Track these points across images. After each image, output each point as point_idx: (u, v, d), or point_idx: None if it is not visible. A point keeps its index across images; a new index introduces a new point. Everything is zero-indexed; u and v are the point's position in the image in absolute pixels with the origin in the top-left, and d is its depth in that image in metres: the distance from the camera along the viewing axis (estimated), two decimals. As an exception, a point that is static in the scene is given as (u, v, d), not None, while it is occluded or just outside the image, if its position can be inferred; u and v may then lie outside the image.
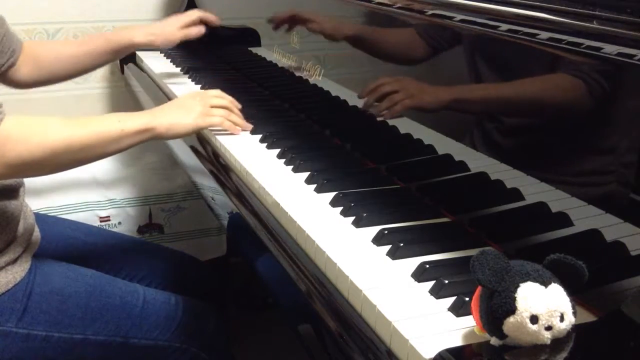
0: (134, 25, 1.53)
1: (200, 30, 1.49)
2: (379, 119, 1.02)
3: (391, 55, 1.03)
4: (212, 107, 1.13)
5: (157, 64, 1.72)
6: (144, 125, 1.03)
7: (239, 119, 1.17)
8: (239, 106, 1.19)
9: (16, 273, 1.00)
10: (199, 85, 1.50)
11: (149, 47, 1.51)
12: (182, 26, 1.48)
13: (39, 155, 0.93)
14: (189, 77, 1.58)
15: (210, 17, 1.53)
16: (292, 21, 1.29)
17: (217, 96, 1.17)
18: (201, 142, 1.22)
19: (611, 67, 0.64)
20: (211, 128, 1.15)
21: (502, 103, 0.82)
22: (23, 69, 1.32)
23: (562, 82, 0.72)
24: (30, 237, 1.08)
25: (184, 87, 1.50)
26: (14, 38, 1.28)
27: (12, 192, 1.06)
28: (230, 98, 1.18)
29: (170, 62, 1.74)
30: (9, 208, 1.03)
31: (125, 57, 1.81)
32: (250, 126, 1.18)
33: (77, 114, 2.06)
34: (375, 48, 1.06)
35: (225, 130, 1.15)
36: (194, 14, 1.51)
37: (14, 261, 1.01)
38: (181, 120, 1.08)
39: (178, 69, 1.66)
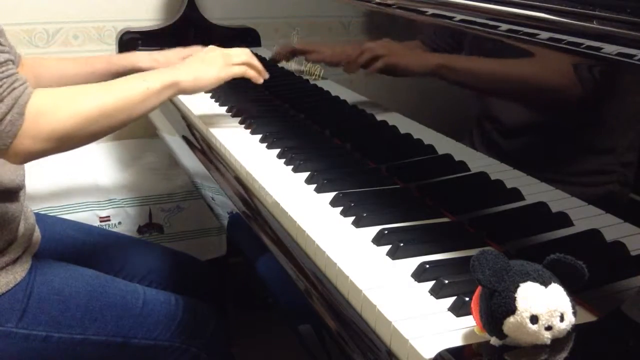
0: (137, 52, 1.51)
1: None
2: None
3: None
4: (232, 56, 1.16)
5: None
6: (168, 81, 1.04)
7: (260, 66, 1.20)
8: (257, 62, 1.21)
9: (16, 273, 1.00)
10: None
11: None
12: (185, 57, 1.47)
13: (72, 125, 0.92)
14: (189, 77, 1.58)
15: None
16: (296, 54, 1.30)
17: (237, 51, 1.18)
18: (201, 142, 1.23)
19: (611, 67, 0.64)
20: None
21: (483, 79, 0.83)
22: None
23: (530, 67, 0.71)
24: (30, 238, 1.08)
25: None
26: (11, 50, 1.27)
27: (13, 195, 1.06)
28: (248, 51, 1.19)
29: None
30: (9, 210, 1.03)
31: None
32: (267, 75, 1.21)
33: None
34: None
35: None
36: (199, 49, 1.50)
37: (14, 261, 1.01)
38: (205, 73, 1.10)
39: (178, 69, 1.66)
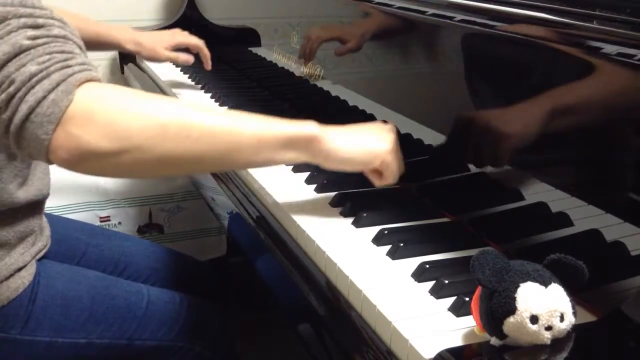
0: (126, 28, 1.47)
1: (188, 60, 1.46)
2: None
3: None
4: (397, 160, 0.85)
5: (157, 64, 1.71)
6: (302, 133, 0.77)
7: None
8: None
9: (24, 278, 0.98)
10: (200, 85, 1.50)
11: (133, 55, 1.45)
12: (173, 46, 1.45)
13: (138, 125, 0.68)
14: (189, 77, 1.58)
15: (206, 54, 1.48)
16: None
17: (397, 168, 0.85)
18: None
19: (611, 66, 0.64)
20: None
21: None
22: None
23: None
24: (43, 248, 1.07)
25: (185, 87, 1.50)
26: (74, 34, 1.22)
27: (37, 207, 1.03)
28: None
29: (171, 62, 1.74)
30: (30, 226, 1.01)
31: (126, 57, 1.82)
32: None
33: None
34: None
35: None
36: (191, 40, 1.48)
37: (21, 267, 0.98)
38: (366, 143, 0.82)
39: (178, 69, 1.66)
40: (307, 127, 0.77)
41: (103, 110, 0.68)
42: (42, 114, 0.66)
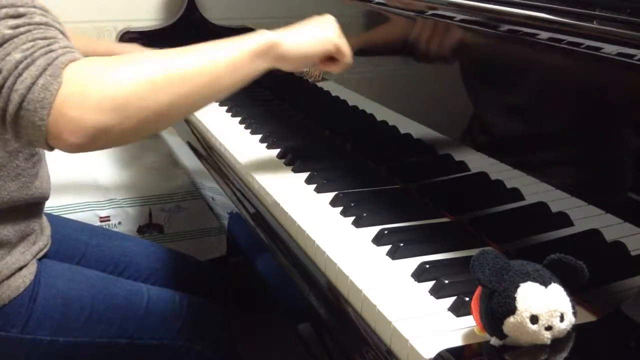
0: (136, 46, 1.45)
1: None
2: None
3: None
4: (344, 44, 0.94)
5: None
6: (264, 43, 0.83)
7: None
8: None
9: (25, 277, 0.98)
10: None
11: None
12: None
13: (131, 89, 0.70)
14: (189, 77, 1.58)
15: None
16: None
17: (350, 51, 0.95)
18: (201, 142, 1.23)
19: (611, 66, 0.64)
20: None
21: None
22: None
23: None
24: (43, 247, 1.07)
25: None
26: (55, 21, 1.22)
27: (38, 207, 1.04)
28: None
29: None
30: (30, 225, 1.01)
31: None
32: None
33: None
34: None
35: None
36: None
37: (21, 267, 0.99)
38: (311, 35, 0.89)
39: (178, 69, 1.66)
40: (265, 37, 0.84)
41: (94, 86, 0.69)
42: (34, 100, 0.67)
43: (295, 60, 0.88)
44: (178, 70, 0.75)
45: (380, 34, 1.06)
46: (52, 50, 0.70)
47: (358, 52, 1.01)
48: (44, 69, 0.68)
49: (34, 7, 0.73)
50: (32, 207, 1.01)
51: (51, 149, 0.71)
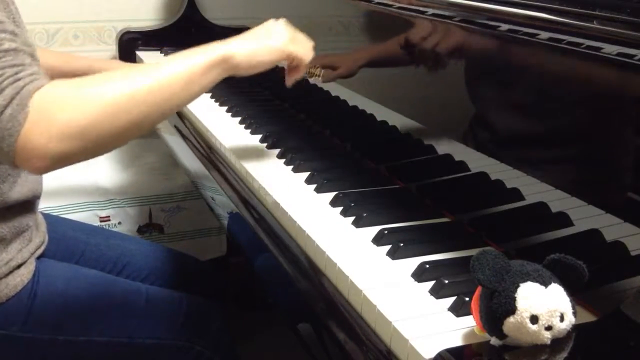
0: (120, 63, 1.45)
1: None
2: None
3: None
4: (299, 43, 0.97)
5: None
6: (218, 56, 0.85)
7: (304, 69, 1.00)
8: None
9: (23, 275, 0.99)
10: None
11: None
12: None
13: (95, 116, 0.74)
14: (189, 77, 1.58)
15: None
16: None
17: (304, 37, 0.98)
18: (202, 142, 1.22)
19: (611, 66, 0.64)
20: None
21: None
22: None
23: None
24: (40, 244, 1.07)
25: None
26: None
27: (31, 205, 1.04)
28: (313, 45, 1.00)
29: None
30: (24, 222, 1.02)
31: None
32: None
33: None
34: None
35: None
36: None
37: (19, 265, 0.99)
38: (264, 45, 0.91)
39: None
40: (218, 50, 0.86)
41: (58, 115, 0.73)
42: (2, 128, 0.71)
43: (248, 70, 0.91)
44: (137, 92, 0.78)
45: (384, 44, 1.06)
46: (19, 79, 0.73)
47: (367, 64, 1.01)
48: (12, 98, 0.72)
49: (3, 31, 0.77)
50: (25, 205, 1.02)
51: (18, 168, 0.76)
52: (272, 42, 0.92)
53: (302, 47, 0.96)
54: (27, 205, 1.03)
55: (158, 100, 0.80)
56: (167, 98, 0.81)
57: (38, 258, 1.06)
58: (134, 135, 0.81)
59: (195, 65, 0.83)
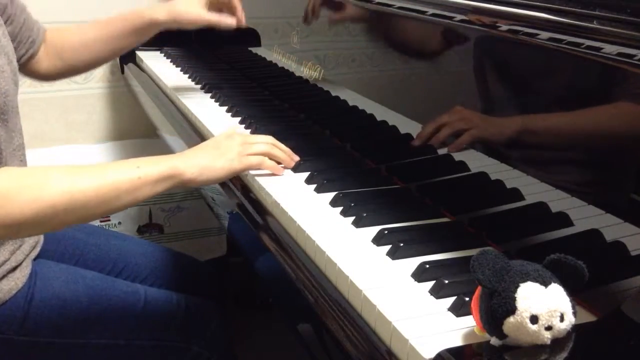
0: (154, 5, 1.32)
1: (231, 23, 1.27)
2: (441, 151, 0.92)
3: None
4: (252, 145, 0.98)
5: (157, 64, 1.72)
6: (168, 170, 0.89)
7: (282, 154, 1.00)
8: (289, 154, 1.02)
9: (17, 279, 0.98)
10: (199, 85, 1.50)
11: (174, 27, 1.30)
12: (208, 3, 1.27)
13: (33, 212, 0.79)
14: (189, 77, 1.58)
15: (240, 11, 1.28)
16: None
17: (259, 139, 1.00)
18: (201, 142, 1.22)
19: (611, 66, 0.64)
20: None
21: (568, 133, 0.75)
22: (44, 61, 1.24)
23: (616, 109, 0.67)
24: (35, 245, 1.07)
25: (184, 87, 1.50)
26: (34, 27, 1.20)
27: None
28: (271, 138, 1.02)
29: (171, 62, 1.74)
30: None
31: (125, 57, 1.82)
32: (296, 158, 1.02)
33: (77, 114, 2.06)
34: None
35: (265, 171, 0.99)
36: None
37: (14, 268, 0.99)
38: (214, 164, 0.93)
39: (178, 69, 1.66)
40: (168, 164, 0.89)
41: (4, 212, 0.77)
42: None
43: (200, 184, 0.95)
44: (80, 196, 0.81)
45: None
46: None
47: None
48: None
49: None
50: None
51: None
52: (222, 161, 0.94)
53: (254, 153, 0.97)
54: None
55: (100, 203, 0.83)
56: (108, 201, 0.84)
57: (35, 259, 1.06)
58: (68, 226, 0.86)
59: (144, 176, 0.86)
